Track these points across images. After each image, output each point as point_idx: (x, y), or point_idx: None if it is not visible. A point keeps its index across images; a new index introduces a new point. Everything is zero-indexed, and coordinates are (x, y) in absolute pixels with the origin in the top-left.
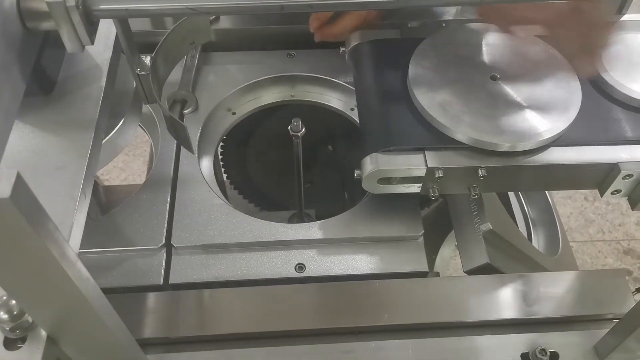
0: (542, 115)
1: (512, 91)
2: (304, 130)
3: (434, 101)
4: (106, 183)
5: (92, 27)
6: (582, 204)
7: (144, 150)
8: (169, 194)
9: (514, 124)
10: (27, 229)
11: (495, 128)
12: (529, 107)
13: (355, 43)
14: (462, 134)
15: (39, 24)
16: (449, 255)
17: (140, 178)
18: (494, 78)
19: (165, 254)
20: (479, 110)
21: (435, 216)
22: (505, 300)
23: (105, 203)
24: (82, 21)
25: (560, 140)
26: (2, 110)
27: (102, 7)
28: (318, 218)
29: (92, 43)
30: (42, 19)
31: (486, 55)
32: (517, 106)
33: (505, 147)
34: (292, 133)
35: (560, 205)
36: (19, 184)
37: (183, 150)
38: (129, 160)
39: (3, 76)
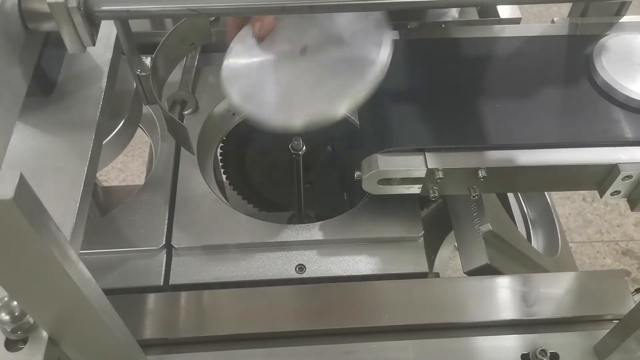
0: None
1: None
2: (304, 148)
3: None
4: (105, 184)
5: (93, 28)
6: (580, 205)
7: (142, 151)
8: (169, 194)
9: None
10: (30, 230)
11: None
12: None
13: None
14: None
15: (40, 24)
16: (447, 256)
17: (139, 179)
18: (303, 52)
19: (165, 255)
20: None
21: (434, 217)
22: (505, 301)
23: (104, 204)
24: (83, 22)
25: (560, 141)
26: (4, 110)
27: (103, 8)
28: (318, 219)
29: (94, 44)
30: (44, 19)
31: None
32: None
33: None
34: (292, 151)
35: (558, 206)
36: (22, 185)
37: (183, 151)
38: (128, 161)
39: (4, 77)
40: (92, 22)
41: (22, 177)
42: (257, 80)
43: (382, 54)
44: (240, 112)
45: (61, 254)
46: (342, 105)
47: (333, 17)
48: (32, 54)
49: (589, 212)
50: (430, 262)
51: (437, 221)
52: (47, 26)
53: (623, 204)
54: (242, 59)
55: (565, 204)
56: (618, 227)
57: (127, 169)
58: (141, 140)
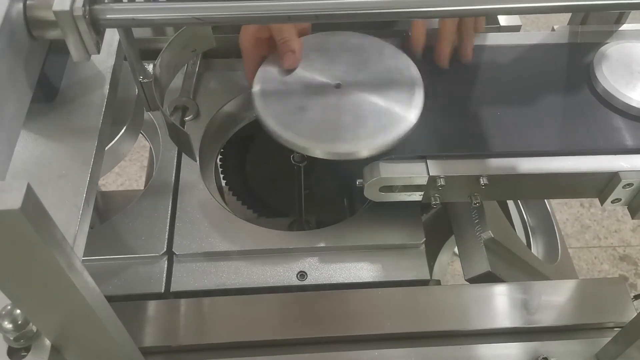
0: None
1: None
2: (306, 161)
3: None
4: (103, 189)
5: (98, 37)
6: (578, 210)
7: (140, 155)
8: (170, 201)
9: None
10: (36, 240)
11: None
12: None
13: None
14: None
15: (45, 32)
16: (446, 261)
17: (136, 183)
18: (337, 86)
19: (166, 262)
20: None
21: (432, 223)
22: (507, 309)
23: (102, 209)
24: (88, 30)
25: (561, 149)
26: (9, 120)
27: (109, 16)
28: (318, 225)
29: (99, 52)
30: (49, 28)
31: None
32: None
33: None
34: (294, 162)
35: (556, 212)
36: (29, 195)
37: (184, 157)
38: (126, 166)
39: (10, 85)
40: (98, 30)
41: (29, 187)
42: (291, 104)
43: (413, 114)
44: (266, 127)
45: (67, 263)
46: (366, 149)
47: (369, 58)
48: (36, 62)
49: (586, 218)
50: (430, 268)
51: (436, 227)
52: (53, 34)
53: (620, 209)
54: (275, 85)
55: (563, 210)
56: (615, 232)
57: (125, 173)
58: (139, 144)
